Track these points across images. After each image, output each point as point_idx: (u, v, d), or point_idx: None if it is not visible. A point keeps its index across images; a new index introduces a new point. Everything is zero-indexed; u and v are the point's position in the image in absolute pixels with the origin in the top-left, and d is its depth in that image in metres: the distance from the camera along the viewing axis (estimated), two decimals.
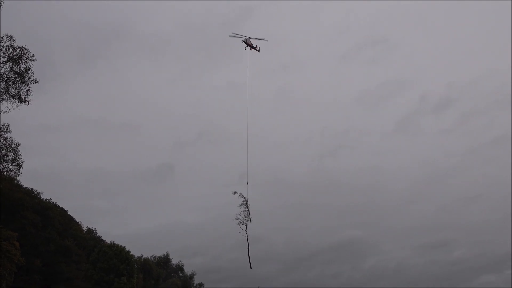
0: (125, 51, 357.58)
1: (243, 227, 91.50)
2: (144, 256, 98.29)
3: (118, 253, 76.63)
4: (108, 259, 75.13)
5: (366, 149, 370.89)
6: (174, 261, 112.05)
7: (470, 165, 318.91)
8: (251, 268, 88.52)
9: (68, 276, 69.97)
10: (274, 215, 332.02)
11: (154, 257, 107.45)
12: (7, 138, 52.69)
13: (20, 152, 52.37)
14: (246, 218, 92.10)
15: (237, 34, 62.43)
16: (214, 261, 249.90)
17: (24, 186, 78.40)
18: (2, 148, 52.93)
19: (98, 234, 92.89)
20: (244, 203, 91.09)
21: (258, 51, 63.92)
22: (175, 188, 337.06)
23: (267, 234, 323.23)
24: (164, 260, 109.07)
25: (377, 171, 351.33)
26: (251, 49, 62.98)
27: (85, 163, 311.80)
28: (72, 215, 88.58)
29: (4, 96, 48.70)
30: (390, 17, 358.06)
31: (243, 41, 62.32)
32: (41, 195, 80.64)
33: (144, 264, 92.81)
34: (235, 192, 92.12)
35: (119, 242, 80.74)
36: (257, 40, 63.14)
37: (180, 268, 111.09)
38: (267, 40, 63.85)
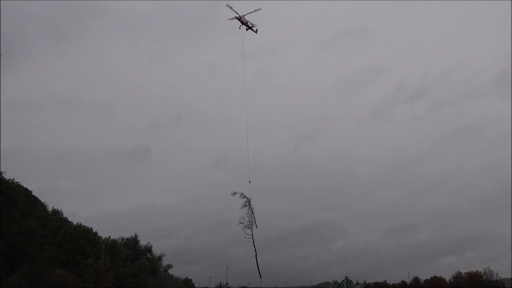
0: (100, 29, 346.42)
1: (248, 231, 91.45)
2: (111, 237, 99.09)
3: (84, 234, 77.33)
4: (74, 241, 75.79)
5: (340, 134, 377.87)
6: (143, 242, 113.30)
7: (438, 152, 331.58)
8: (260, 277, 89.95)
9: (32, 258, 70.23)
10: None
11: (122, 239, 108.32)
12: None
13: None
14: (250, 222, 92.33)
15: (232, 8, 59.44)
16: (186, 243, 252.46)
17: None
18: None
19: (64, 215, 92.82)
20: (247, 204, 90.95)
21: (256, 32, 60.96)
22: (149, 170, 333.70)
23: (237, 216, 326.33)
24: (132, 242, 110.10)
25: (349, 157, 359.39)
26: (247, 29, 60.74)
27: (55, 142, 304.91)
28: (38, 195, 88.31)
29: None
30: (371, 7, 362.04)
31: (237, 19, 59.57)
32: (4, 175, 79.74)
33: (112, 246, 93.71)
34: (235, 193, 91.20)
35: (88, 224, 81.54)
36: (252, 14, 59.25)
37: (148, 249, 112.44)
38: (261, 9, 60.68)
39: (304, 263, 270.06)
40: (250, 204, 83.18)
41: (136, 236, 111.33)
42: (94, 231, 79.73)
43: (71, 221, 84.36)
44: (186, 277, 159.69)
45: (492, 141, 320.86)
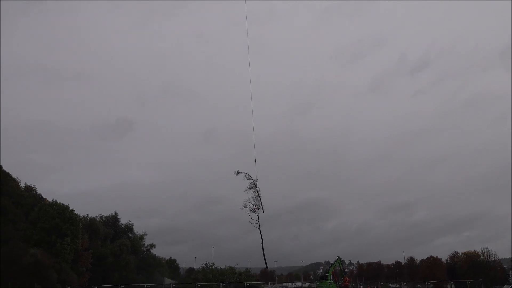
0: None
1: (254, 215, 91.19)
2: (90, 215, 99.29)
3: (60, 212, 77.32)
4: (49, 219, 75.83)
5: (337, 108, 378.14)
6: (124, 221, 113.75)
7: (439, 128, 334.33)
8: (267, 267, 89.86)
9: (4, 237, 70.21)
10: (235, 176, 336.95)
11: (101, 217, 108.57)
12: None
13: None
14: (257, 205, 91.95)
15: None
16: (171, 222, 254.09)
17: None
18: None
19: (38, 192, 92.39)
20: (253, 185, 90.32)
21: None
22: (133, 145, 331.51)
23: (228, 195, 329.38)
24: (112, 220, 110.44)
25: (346, 132, 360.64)
26: None
27: (30, 115, 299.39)
28: (10, 171, 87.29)
29: None
30: None
31: None
32: None
33: (90, 224, 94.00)
34: (239, 172, 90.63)
35: (65, 201, 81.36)
36: None
37: (129, 228, 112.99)
38: None
39: (295, 243, 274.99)
40: (256, 186, 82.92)
41: (116, 214, 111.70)
42: (71, 208, 79.74)
43: (46, 198, 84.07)
44: (170, 257, 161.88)
45: (496, 117, 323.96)
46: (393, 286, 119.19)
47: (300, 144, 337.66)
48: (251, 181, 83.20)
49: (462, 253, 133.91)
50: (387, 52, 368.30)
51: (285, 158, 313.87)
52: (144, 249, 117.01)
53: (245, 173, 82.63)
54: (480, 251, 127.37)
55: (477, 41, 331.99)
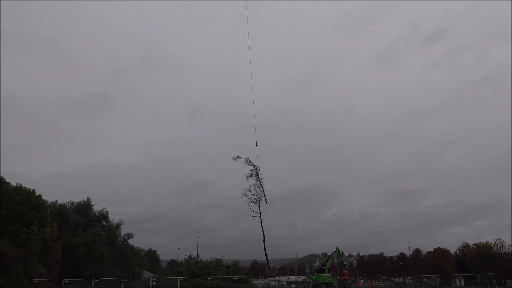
0: None
1: (255, 207, 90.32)
2: (59, 202, 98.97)
3: (26, 197, 76.90)
4: (13, 205, 75.42)
5: (340, 83, 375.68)
6: (98, 207, 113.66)
7: (453, 106, 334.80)
8: (269, 267, 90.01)
9: None
10: (225, 157, 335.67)
11: (72, 203, 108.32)
12: None
13: None
14: (258, 195, 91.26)
15: None
16: (151, 209, 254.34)
17: None
18: None
19: (0, 175, 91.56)
20: (254, 173, 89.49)
21: None
22: (109, 122, 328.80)
23: (215, 179, 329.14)
24: (84, 207, 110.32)
25: (349, 110, 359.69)
26: None
27: None
28: None
29: None
30: None
31: None
32: None
33: (60, 211, 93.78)
34: (239, 157, 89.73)
35: (30, 185, 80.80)
36: None
37: (104, 216, 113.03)
38: None
39: (290, 232, 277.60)
40: (258, 174, 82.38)
41: (88, 201, 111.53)
42: (37, 194, 79.30)
43: (9, 182, 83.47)
44: (150, 248, 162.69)
45: None
46: (397, 280, 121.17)
47: (297, 122, 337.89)
48: (252, 167, 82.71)
49: (473, 244, 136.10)
50: (396, 19, 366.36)
51: (280, 138, 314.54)
52: (121, 239, 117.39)
53: (245, 158, 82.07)
54: (493, 242, 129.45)
55: (496, 9, 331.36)
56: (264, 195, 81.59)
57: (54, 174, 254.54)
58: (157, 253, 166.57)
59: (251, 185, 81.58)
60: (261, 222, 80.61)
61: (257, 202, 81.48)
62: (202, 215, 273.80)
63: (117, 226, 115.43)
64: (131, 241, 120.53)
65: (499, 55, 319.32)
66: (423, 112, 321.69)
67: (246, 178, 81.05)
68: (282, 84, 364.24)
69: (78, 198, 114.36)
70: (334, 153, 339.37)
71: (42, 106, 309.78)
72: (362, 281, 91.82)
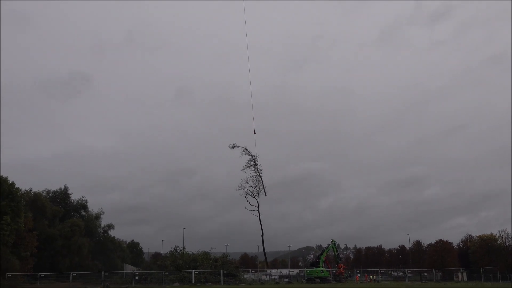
0: None
1: (253, 200, 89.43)
2: (34, 190, 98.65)
3: None
4: None
5: (339, 63, 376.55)
6: (76, 196, 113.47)
7: (459, 89, 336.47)
8: (267, 265, 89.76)
9: None
10: (214, 142, 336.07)
11: (48, 192, 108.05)
12: None
13: None
14: (257, 187, 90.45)
15: None
16: (134, 198, 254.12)
17: None
18: None
19: None
20: (252, 163, 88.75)
21: None
22: (89, 104, 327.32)
23: (205, 165, 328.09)
24: (62, 196, 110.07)
25: (348, 92, 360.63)
26: None
27: None
28: None
29: None
30: None
31: None
32: None
33: (35, 201, 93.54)
34: (235, 146, 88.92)
35: (4, 173, 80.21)
36: None
37: (82, 205, 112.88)
38: None
39: (283, 223, 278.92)
40: (256, 164, 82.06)
41: (66, 189, 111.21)
42: (10, 181, 78.96)
43: None
44: (132, 240, 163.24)
45: None
46: (396, 274, 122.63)
47: (292, 105, 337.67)
48: (249, 157, 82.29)
49: (476, 236, 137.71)
50: None
51: (273, 122, 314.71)
52: (101, 230, 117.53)
53: (242, 147, 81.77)
54: (498, 235, 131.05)
55: None
56: (263, 187, 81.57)
57: (28, 161, 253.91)
58: (140, 245, 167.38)
59: (249, 176, 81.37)
60: (259, 217, 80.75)
61: (255, 195, 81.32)
62: (189, 205, 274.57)
63: (97, 216, 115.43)
64: (112, 233, 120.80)
65: (509, 34, 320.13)
66: (427, 94, 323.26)
67: (244, 169, 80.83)
68: (277, 64, 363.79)
69: (54, 186, 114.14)
70: (332, 139, 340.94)
71: (14, 87, 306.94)
72: (359, 275, 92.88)
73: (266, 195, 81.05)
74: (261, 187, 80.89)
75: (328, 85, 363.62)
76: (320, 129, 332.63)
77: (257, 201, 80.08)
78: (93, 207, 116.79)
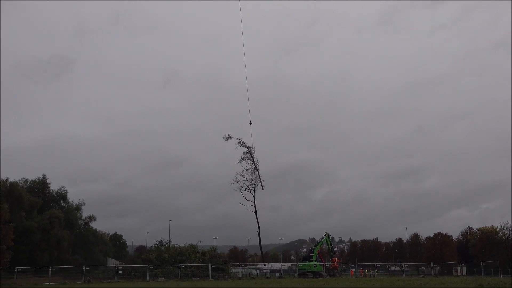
0: None
1: (249, 195, 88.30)
2: (10, 179, 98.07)
3: None
4: None
5: (334, 48, 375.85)
6: (55, 186, 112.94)
7: (462, 75, 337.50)
8: (264, 265, 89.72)
9: None
10: (204, 130, 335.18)
11: (25, 181, 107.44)
12: None
13: None
14: (253, 181, 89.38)
15: None
16: (118, 189, 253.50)
17: None
18: None
19: None
20: (248, 155, 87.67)
21: None
22: (71, 89, 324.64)
23: (194, 154, 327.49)
24: (40, 186, 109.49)
25: (344, 78, 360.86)
26: None
27: None
28: None
29: None
30: None
31: None
32: None
33: (11, 191, 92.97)
34: (230, 137, 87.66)
35: None
36: None
37: (62, 196, 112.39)
38: None
39: (274, 215, 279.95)
40: (252, 156, 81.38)
41: (44, 178, 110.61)
42: None
43: None
44: (115, 233, 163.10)
45: None
46: (392, 268, 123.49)
47: (285, 91, 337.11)
48: (245, 149, 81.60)
49: (477, 229, 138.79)
50: None
51: (266, 109, 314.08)
52: (82, 222, 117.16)
53: (238, 139, 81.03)
54: (499, 227, 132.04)
55: None
56: (261, 181, 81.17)
57: (4, 148, 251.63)
58: (124, 238, 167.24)
59: (244, 169, 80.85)
60: (255, 213, 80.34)
61: (251, 190, 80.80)
62: (176, 196, 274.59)
63: (78, 208, 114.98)
64: (93, 225, 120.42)
65: None
66: (426, 82, 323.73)
67: (239, 162, 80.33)
68: (270, 49, 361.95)
69: (32, 175, 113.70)
70: (326, 127, 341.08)
71: None
72: (354, 269, 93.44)
73: (263, 189, 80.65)
74: (258, 180, 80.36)
75: (324, 69, 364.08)
76: (315, 117, 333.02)
77: (253, 196, 79.66)
78: (73, 198, 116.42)
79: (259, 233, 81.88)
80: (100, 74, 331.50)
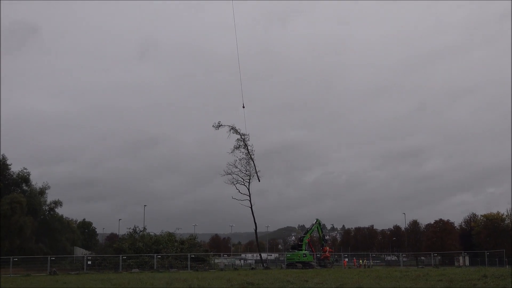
0: None
1: (243, 188, 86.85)
2: None
3: None
4: None
5: (329, 15, 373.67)
6: (16, 168, 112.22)
7: (470, 46, 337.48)
8: (262, 262, 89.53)
9: None
10: (185, 106, 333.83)
11: None
12: None
13: None
14: (248, 173, 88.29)
15: None
16: (88, 171, 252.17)
17: None
18: None
19: None
20: (242, 143, 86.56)
21: None
22: (34, 60, 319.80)
23: (173, 133, 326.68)
24: None
25: (340, 50, 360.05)
26: None
27: None
28: None
29: None
30: None
31: None
32: None
33: None
34: (220, 125, 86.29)
35: None
36: None
37: (24, 179, 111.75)
38: None
39: (260, 200, 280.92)
40: (246, 145, 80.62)
41: (4, 159, 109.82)
42: None
43: None
44: (84, 220, 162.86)
45: None
46: (389, 258, 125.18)
47: (274, 64, 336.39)
48: (238, 137, 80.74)
49: (481, 215, 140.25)
50: None
51: (253, 84, 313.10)
52: (46, 208, 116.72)
53: (229, 126, 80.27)
54: (505, 214, 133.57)
55: None
56: (256, 172, 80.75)
57: None
58: (93, 225, 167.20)
59: (237, 159, 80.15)
60: (251, 208, 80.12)
61: (246, 182, 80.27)
62: (152, 179, 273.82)
63: (42, 192, 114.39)
64: (60, 211, 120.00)
65: None
66: (430, 55, 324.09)
67: (232, 151, 79.64)
68: (257, 17, 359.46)
69: None
70: (319, 104, 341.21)
71: None
72: (347, 259, 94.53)
73: (259, 181, 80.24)
74: (254, 171, 79.88)
75: (317, 40, 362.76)
76: (307, 92, 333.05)
77: (248, 189, 79.24)
78: (37, 181, 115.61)
79: (255, 230, 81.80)
80: (68, 42, 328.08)
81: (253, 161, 79.44)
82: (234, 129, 79.32)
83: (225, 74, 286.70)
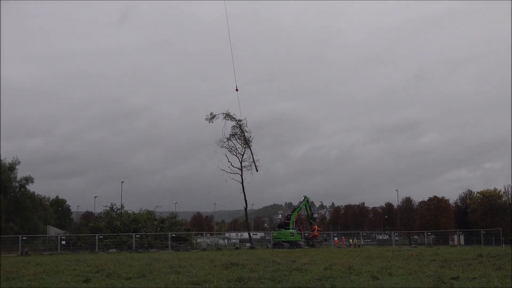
0: None
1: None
2: None
3: None
4: None
5: None
6: None
7: (470, 11, 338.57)
8: (251, 241, 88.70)
9: None
10: (165, 73, 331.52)
11: None
12: None
13: None
14: (245, 162, 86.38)
15: None
16: (60, 145, 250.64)
17: None
18: None
19: None
20: (238, 130, 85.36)
21: None
22: (4, 21, 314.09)
23: (152, 104, 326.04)
24: None
25: (335, 14, 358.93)
26: None
27: None
28: None
29: None
30: None
31: None
32: None
33: None
34: (213, 116, 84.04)
35: None
36: None
37: None
38: None
39: (245, 176, 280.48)
40: (243, 132, 79.78)
41: None
42: None
43: None
44: (57, 197, 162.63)
45: None
46: (381, 237, 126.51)
47: (263, 30, 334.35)
48: (234, 123, 79.81)
49: (477, 192, 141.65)
50: None
51: (239, 50, 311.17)
52: (17, 184, 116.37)
53: (224, 113, 79.37)
54: (503, 190, 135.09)
55: None
56: (254, 161, 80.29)
57: None
58: (67, 203, 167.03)
59: (232, 147, 79.32)
60: (244, 198, 79.88)
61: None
62: (131, 154, 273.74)
63: (11, 168, 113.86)
64: (31, 187, 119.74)
65: None
66: (427, 20, 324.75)
67: (227, 140, 78.90)
68: None
69: None
70: (310, 73, 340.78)
71: None
72: (337, 238, 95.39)
73: (257, 170, 79.91)
74: (252, 160, 79.41)
75: (310, 3, 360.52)
76: (296, 60, 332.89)
77: (241, 178, 78.96)
78: (6, 156, 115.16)
79: (245, 208, 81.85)
80: (43, 4, 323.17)
81: (250, 149, 79.01)
82: (228, 116, 78.64)
83: (209, 39, 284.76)
